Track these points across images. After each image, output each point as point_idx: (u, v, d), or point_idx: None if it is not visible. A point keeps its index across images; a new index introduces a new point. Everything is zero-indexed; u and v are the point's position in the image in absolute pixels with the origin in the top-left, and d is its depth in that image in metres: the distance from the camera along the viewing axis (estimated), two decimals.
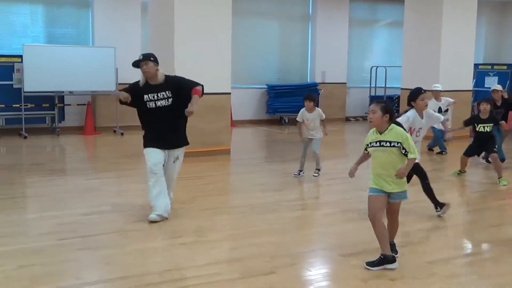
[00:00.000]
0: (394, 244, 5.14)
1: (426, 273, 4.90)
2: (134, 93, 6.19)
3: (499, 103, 10.13)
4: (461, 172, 9.03)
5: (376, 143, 4.84)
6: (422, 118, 6.46)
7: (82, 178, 8.74)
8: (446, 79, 12.71)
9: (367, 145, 4.93)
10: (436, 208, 6.64)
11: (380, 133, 4.83)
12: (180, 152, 6.39)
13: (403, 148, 4.77)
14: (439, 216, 6.60)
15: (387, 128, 4.82)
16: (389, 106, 4.87)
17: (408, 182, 6.60)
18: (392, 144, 4.78)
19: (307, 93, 9.99)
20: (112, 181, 8.86)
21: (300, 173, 8.90)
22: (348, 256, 5.28)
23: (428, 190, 6.65)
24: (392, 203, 4.95)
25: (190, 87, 6.20)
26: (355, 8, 17.91)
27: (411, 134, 6.28)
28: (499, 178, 8.52)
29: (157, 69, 6.16)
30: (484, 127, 8.65)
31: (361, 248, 5.41)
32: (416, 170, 6.33)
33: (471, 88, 14.16)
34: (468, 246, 6.05)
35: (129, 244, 5.55)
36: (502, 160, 9.63)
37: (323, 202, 7.81)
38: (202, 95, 6.26)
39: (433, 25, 13.33)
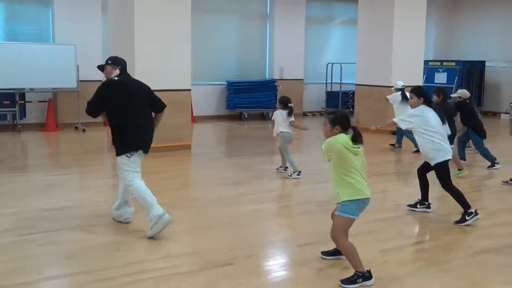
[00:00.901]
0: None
1: (378, 261, 5.06)
2: None
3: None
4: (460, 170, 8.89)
5: None
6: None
7: (44, 174, 8.70)
8: (397, 75, 13.04)
9: None
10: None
11: None
12: (118, 159, 5.90)
13: None
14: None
15: None
16: (340, 117, 4.56)
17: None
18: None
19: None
20: (74, 177, 8.89)
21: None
22: (304, 246, 5.45)
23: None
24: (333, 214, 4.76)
25: None
26: (312, 7, 18.20)
27: None
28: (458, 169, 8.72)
29: (110, 71, 5.98)
30: None
31: (317, 238, 5.58)
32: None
33: (421, 84, 14.52)
34: (419, 235, 6.30)
35: (91, 239, 5.60)
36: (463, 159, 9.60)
37: (280, 195, 8.01)
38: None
39: (385, 23, 13.73)
